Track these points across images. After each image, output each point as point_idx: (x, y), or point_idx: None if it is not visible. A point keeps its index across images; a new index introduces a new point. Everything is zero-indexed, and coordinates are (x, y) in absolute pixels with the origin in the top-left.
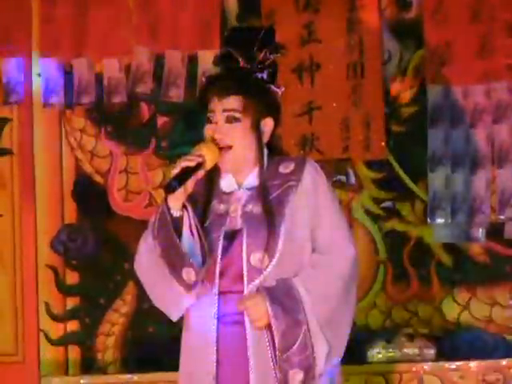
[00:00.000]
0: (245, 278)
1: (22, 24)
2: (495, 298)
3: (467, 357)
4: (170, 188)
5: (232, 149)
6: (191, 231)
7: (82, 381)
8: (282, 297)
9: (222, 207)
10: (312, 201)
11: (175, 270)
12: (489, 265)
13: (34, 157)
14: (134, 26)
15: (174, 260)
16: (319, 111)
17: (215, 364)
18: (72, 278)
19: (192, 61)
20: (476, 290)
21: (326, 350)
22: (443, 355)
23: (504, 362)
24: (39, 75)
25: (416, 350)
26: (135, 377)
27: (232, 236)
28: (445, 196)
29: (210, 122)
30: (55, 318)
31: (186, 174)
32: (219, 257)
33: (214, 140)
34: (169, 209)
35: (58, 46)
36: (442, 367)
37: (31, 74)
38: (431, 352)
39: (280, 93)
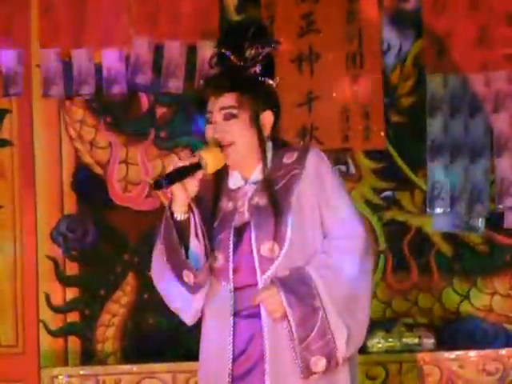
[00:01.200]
0: (257, 270)
1: (20, 15)
2: (495, 288)
3: (467, 346)
4: (157, 185)
5: (234, 145)
6: (196, 234)
7: (81, 371)
8: (295, 285)
9: (230, 204)
10: (317, 187)
11: (177, 273)
12: (488, 254)
13: (34, 148)
14: (134, 16)
15: (176, 263)
16: (319, 101)
17: (231, 359)
18: (72, 268)
19: (191, 51)
20: (476, 280)
21: (346, 334)
22: (443, 345)
23: (504, 351)
24: (38, 66)
25: (416, 340)
26: (135, 367)
27: (241, 231)
28: (444, 185)
29: (209, 123)
30: (55, 309)
31: (179, 174)
32: (231, 253)
33: (216, 142)
34: (172, 213)
35: (57, 37)
36: (442, 357)
37: (30, 65)
38: (431, 342)
39: (274, 84)
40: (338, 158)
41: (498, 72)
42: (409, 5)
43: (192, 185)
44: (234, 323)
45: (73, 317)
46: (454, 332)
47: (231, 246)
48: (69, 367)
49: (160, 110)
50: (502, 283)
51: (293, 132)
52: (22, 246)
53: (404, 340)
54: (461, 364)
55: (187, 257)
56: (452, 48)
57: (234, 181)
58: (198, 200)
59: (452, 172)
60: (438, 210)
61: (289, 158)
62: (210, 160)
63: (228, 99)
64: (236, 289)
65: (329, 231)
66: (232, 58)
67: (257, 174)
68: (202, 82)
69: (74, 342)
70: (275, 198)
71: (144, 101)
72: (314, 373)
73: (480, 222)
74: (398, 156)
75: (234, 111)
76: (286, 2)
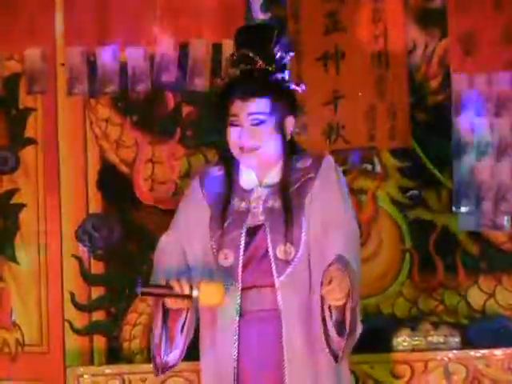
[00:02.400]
0: (274, 272)
1: (45, 13)
2: None
3: (493, 345)
4: (136, 291)
5: (258, 150)
6: (182, 330)
7: (107, 370)
8: (351, 275)
9: (243, 205)
10: (324, 193)
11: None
12: None
13: (59, 147)
14: (158, 14)
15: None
16: (344, 100)
17: (236, 360)
18: (97, 267)
19: (216, 50)
20: (501, 278)
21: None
22: (469, 343)
23: None
24: (63, 65)
25: (441, 338)
26: None
27: (253, 232)
28: (470, 184)
29: (234, 125)
30: (80, 307)
31: (161, 295)
32: (242, 253)
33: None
34: (163, 303)
35: (81, 35)
36: (468, 355)
37: (55, 64)
38: (456, 340)
39: (300, 90)
40: (363, 156)
41: None
42: (434, 3)
43: (172, 302)
44: (240, 324)
45: (98, 315)
46: (480, 330)
47: (242, 245)
48: (94, 366)
49: (186, 109)
50: None
51: (319, 130)
52: (47, 246)
53: (430, 338)
54: (487, 362)
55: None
56: (477, 46)
57: (247, 181)
58: (213, 195)
59: (477, 170)
60: (464, 209)
61: (303, 164)
62: (206, 295)
63: (258, 105)
64: (243, 289)
65: (330, 228)
66: (258, 60)
67: (272, 177)
68: (222, 81)
69: (99, 341)
70: (289, 201)
71: (170, 99)
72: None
73: (506, 221)
74: (423, 155)
75: (263, 117)
76: (310, 0)
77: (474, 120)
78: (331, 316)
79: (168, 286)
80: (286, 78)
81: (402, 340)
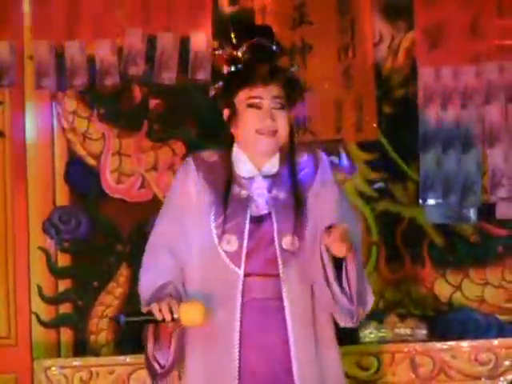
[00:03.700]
0: (279, 262)
1: (13, 6)
2: (487, 278)
3: (459, 337)
4: (116, 320)
5: (276, 134)
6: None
7: (74, 363)
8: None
9: (243, 192)
10: (322, 189)
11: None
12: (481, 245)
13: (26, 139)
14: (127, 7)
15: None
16: (311, 93)
17: (238, 347)
18: (64, 260)
19: (184, 43)
20: (468, 271)
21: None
22: (435, 335)
23: (496, 341)
24: (31, 58)
25: (408, 331)
26: (128, 358)
27: (258, 221)
28: (436, 176)
29: (253, 107)
30: (47, 300)
31: (145, 321)
32: (246, 239)
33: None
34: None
35: (49, 29)
36: (434, 347)
37: (23, 57)
38: (423, 332)
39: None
40: (330, 149)
41: (489, 63)
42: None
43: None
44: (242, 311)
45: (65, 308)
46: (447, 322)
47: (247, 232)
48: (61, 358)
49: (153, 102)
50: (495, 274)
51: None
52: (14, 238)
53: (396, 330)
54: (453, 354)
55: None
56: (444, 39)
57: (246, 169)
58: (210, 180)
59: (444, 163)
60: (431, 201)
61: (300, 157)
62: (187, 317)
63: (279, 90)
64: (246, 276)
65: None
66: (274, 47)
67: (270, 167)
68: (231, 68)
69: (66, 334)
70: (297, 193)
71: (137, 92)
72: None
73: (472, 213)
74: (390, 147)
75: (283, 102)
76: None
77: (441, 113)
78: (334, 277)
79: (149, 313)
80: (294, 69)
81: (369, 332)
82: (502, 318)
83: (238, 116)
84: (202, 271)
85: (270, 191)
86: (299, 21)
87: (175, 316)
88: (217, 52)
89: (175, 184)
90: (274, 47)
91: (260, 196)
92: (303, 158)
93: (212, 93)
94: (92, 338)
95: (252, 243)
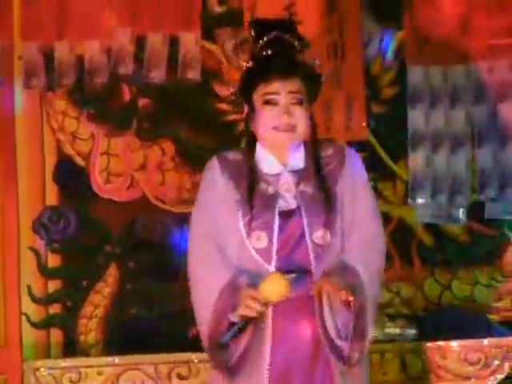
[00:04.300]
0: (311, 256)
1: (2, 7)
2: (476, 278)
3: (449, 337)
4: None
5: (295, 129)
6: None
7: (64, 363)
8: (351, 278)
9: (270, 189)
10: (351, 184)
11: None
12: (470, 245)
13: (16, 139)
14: (116, 7)
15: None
16: None
17: (270, 342)
18: (54, 260)
19: (173, 42)
20: (457, 271)
21: (372, 330)
22: (425, 335)
23: (485, 341)
24: (20, 58)
25: (398, 330)
26: (117, 359)
27: (286, 215)
28: (425, 176)
29: (269, 104)
30: (37, 300)
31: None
32: (276, 235)
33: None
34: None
35: (38, 29)
36: (424, 347)
37: (12, 57)
38: (413, 332)
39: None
40: None
41: (478, 63)
42: None
43: None
44: (274, 307)
45: (55, 309)
46: (436, 322)
47: (276, 228)
48: (51, 359)
49: (142, 101)
50: (484, 273)
51: None
52: (4, 238)
53: (386, 330)
54: (443, 354)
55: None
56: (433, 39)
57: (269, 166)
58: (236, 182)
59: (433, 163)
60: (420, 201)
61: (325, 151)
62: (272, 292)
63: (297, 84)
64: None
65: (355, 228)
66: (293, 41)
67: (296, 162)
68: (249, 64)
69: (56, 334)
70: (325, 187)
71: (126, 92)
72: (350, 365)
73: (461, 213)
74: (379, 147)
75: (302, 97)
76: None
77: (430, 112)
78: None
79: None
80: (316, 63)
81: None
82: (491, 317)
83: (256, 113)
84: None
85: (297, 186)
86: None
87: (264, 308)
88: (239, 47)
89: (204, 186)
90: (293, 41)
91: (287, 191)
92: (329, 153)
93: (233, 90)
94: (81, 338)
95: (282, 238)
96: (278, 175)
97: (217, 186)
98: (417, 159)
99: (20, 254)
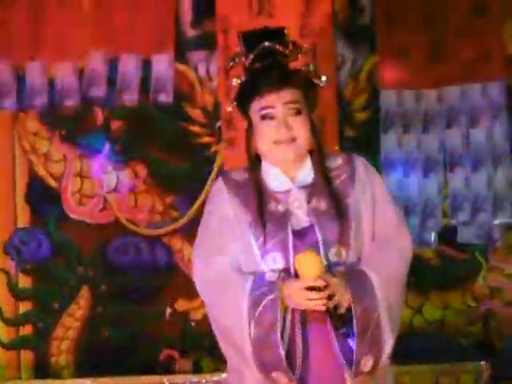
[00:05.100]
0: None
1: None
2: (448, 302)
3: (420, 360)
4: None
5: (295, 141)
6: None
7: None
8: (357, 282)
9: (280, 207)
10: (368, 192)
11: (264, 367)
12: (441, 269)
13: None
14: (89, 29)
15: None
16: None
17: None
18: (25, 281)
19: (146, 65)
20: (429, 294)
21: (392, 337)
22: (396, 358)
23: (457, 365)
24: None
25: None
26: (88, 381)
27: (301, 234)
28: (397, 200)
29: (266, 118)
30: (7, 321)
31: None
32: (291, 255)
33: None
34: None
35: (11, 50)
36: (395, 370)
37: None
38: None
39: (321, 85)
40: None
41: (450, 87)
42: (362, 20)
43: None
44: (294, 326)
45: (26, 330)
46: (407, 346)
47: (291, 247)
48: (22, 381)
49: (115, 124)
50: (455, 297)
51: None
52: None
53: None
54: (413, 378)
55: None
56: (406, 63)
57: (277, 182)
58: (244, 203)
59: (405, 186)
60: None
61: (333, 163)
62: (311, 269)
63: (293, 94)
64: None
65: (378, 235)
66: (283, 49)
67: (303, 176)
68: (241, 80)
69: (27, 356)
70: (337, 201)
71: (99, 114)
72: (362, 372)
73: (433, 237)
74: None
75: (300, 106)
76: (240, 16)
77: (402, 136)
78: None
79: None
80: (311, 68)
81: None
82: (462, 341)
83: (254, 129)
84: None
85: (309, 202)
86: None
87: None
88: (231, 64)
89: (211, 208)
90: (284, 49)
91: (299, 208)
92: (338, 164)
93: (228, 108)
94: (53, 360)
95: None
96: (287, 192)
97: (224, 208)
98: (389, 183)
99: None
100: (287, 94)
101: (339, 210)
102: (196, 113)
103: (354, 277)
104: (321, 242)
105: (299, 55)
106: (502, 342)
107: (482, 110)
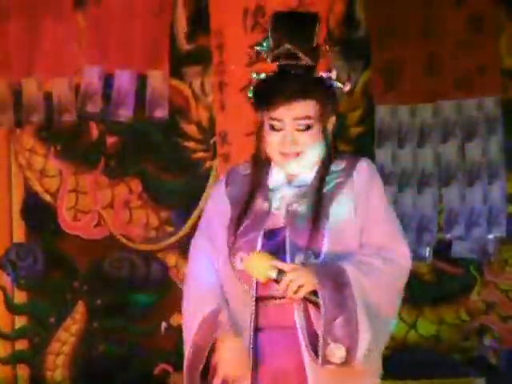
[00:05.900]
0: None
1: None
2: (442, 317)
3: (414, 376)
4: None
5: (300, 155)
6: None
7: None
8: (328, 269)
9: (265, 205)
10: (363, 198)
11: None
12: (436, 283)
13: None
14: (84, 45)
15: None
16: None
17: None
18: (20, 297)
19: (141, 80)
20: (423, 309)
21: (369, 336)
22: (390, 374)
23: (451, 380)
24: None
25: None
26: None
27: (272, 234)
28: None
29: (276, 130)
30: (3, 336)
31: None
32: None
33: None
34: None
35: (7, 66)
36: None
37: None
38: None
39: (345, 89)
40: None
41: (446, 102)
42: (357, 35)
43: None
44: (256, 336)
45: (21, 345)
46: (402, 361)
47: (259, 247)
48: None
49: (110, 139)
50: (449, 312)
51: (242, 161)
52: None
53: None
54: None
55: None
56: (400, 77)
57: (275, 180)
58: (236, 195)
59: (400, 201)
60: None
61: (337, 166)
62: (251, 272)
63: (304, 108)
64: (258, 298)
65: (371, 242)
66: (301, 55)
67: (304, 176)
68: (254, 82)
69: (22, 370)
70: (319, 207)
71: (94, 129)
72: (330, 362)
73: (428, 251)
74: None
75: (310, 122)
76: (235, 31)
77: (397, 151)
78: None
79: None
80: (333, 76)
81: None
82: (456, 356)
83: (264, 132)
84: (227, 294)
85: (289, 204)
86: (256, 59)
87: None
88: (257, 49)
89: (209, 201)
90: (306, 55)
91: (278, 209)
92: (340, 167)
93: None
94: (48, 374)
95: None
96: (277, 190)
97: (218, 203)
98: None
99: None
100: (299, 108)
101: (317, 215)
102: (191, 128)
103: (326, 265)
104: (288, 246)
105: (320, 58)
106: (498, 357)
107: (478, 124)
